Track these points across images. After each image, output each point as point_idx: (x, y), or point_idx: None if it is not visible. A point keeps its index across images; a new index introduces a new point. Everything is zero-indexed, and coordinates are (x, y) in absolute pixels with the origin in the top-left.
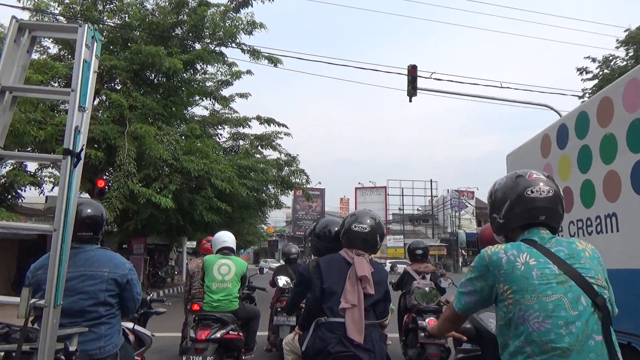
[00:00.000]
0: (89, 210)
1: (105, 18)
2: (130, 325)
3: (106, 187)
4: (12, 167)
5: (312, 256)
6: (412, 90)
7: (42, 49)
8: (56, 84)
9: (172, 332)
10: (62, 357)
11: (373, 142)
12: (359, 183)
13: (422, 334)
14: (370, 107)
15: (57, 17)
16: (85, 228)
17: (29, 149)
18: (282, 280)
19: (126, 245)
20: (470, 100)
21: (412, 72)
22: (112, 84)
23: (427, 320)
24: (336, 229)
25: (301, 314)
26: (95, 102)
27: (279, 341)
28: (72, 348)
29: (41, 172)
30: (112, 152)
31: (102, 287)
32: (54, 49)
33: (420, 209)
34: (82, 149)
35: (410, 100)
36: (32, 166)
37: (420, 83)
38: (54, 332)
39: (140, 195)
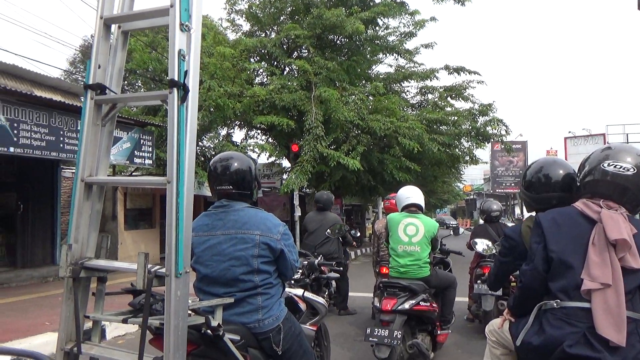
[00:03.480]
0: (233, 164)
1: None
2: (299, 292)
3: (301, 152)
4: (222, 138)
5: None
6: None
7: (236, 27)
8: (252, 59)
9: (367, 292)
10: (209, 331)
11: (586, 82)
12: (569, 132)
13: None
14: (581, 35)
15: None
16: (227, 182)
17: (227, 121)
18: (482, 245)
19: None
20: None
21: None
22: (299, 52)
23: None
24: (560, 171)
25: (513, 293)
26: (285, 72)
27: (482, 312)
28: (214, 322)
29: (246, 142)
30: (302, 118)
31: (254, 252)
32: (246, 26)
33: None
34: (187, 78)
35: None
36: (237, 137)
37: None
38: (179, 305)
39: (330, 157)
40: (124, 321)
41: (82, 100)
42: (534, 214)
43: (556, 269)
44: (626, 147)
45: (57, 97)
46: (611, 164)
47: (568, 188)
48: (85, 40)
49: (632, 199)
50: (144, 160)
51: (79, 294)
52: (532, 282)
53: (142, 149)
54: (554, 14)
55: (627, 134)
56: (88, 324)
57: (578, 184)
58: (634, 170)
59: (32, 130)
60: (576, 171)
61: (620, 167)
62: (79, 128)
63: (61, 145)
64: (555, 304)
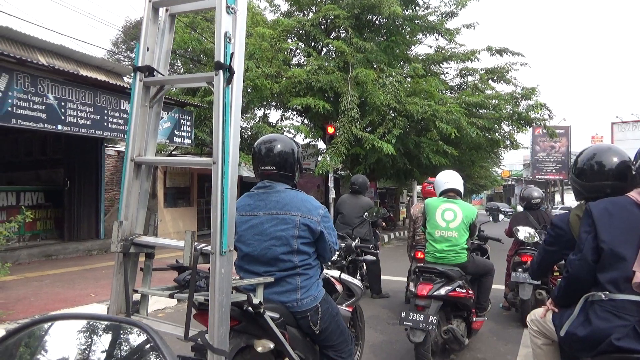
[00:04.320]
0: (277, 145)
1: None
2: (336, 273)
3: (336, 133)
4: (258, 119)
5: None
6: None
7: (274, 7)
8: (289, 40)
9: (400, 276)
10: (250, 308)
11: (635, 64)
12: (616, 117)
13: None
14: (629, 15)
15: None
16: (270, 163)
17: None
18: (524, 232)
19: None
20: None
21: None
22: (337, 32)
23: None
24: (615, 159)
25: (558, 283)
26: (322, 53)
27: (519, 301)
28: (255, 300)
29: (282, 123)
30: (338, 100)
31: (294, 233)
32: (284, 6)
33: None
34: (233, 60)
35: None
36: (273, 118)
37: None
38: (223, 282)
39: (365, 140)
40: (171, 296)
41: (130, 81)
42: (581, 202)
43: (606, 260)
44: None
45: (101, 77)
46: None
47: (623, 177)
48: (127, 21)
49: None
50: (184, 140)
51: (128, 268)
52: (579, 272)
53: (182, 129)
54: None
55: None
56: (135, 297)
57: (634, 172)
58: None
59: (78, 109)
60: (632, 159)
61: None
62: (122, 107)
63: (105, 124)
64: (603, 296)
